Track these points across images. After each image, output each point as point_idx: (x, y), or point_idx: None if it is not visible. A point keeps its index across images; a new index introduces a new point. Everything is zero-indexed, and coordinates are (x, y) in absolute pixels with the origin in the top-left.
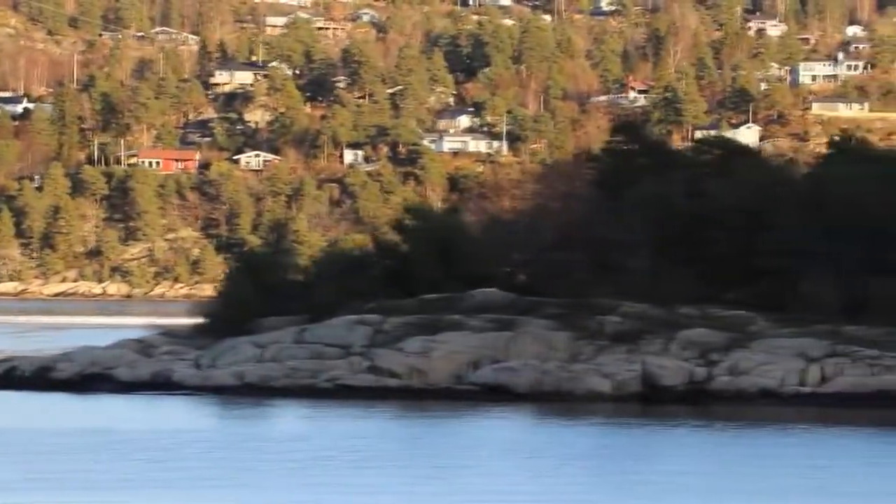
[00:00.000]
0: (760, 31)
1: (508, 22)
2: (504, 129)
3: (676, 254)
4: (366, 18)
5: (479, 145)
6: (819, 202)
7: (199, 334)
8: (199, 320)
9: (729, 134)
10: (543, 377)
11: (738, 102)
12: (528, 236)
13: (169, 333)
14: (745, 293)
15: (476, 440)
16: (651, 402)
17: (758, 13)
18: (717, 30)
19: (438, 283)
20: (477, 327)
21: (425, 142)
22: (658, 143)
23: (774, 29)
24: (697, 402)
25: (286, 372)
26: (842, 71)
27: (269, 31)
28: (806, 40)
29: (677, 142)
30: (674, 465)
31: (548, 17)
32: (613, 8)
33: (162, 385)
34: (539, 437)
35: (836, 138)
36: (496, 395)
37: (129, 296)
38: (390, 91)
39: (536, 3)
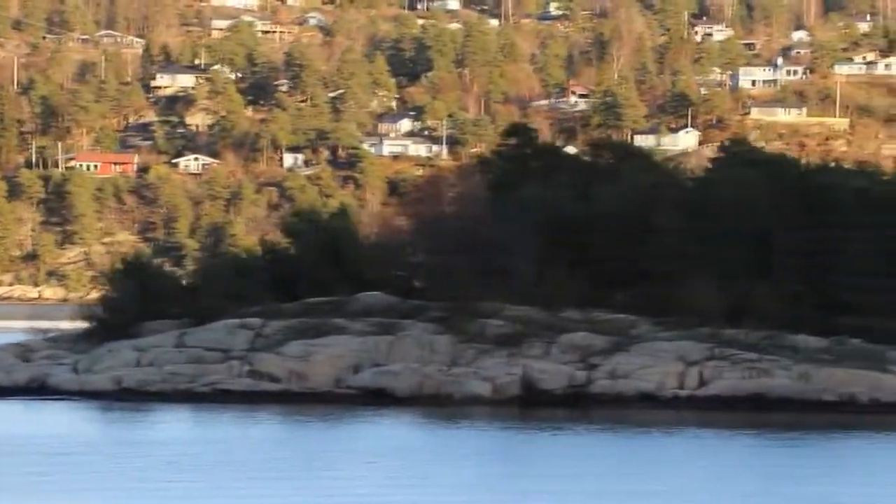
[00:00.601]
0: (707, 36)
1: (452, 26)
2: (444, 133)
3: (563, 257)
4: (313, 22)
5: (419, 149)
6: (704, 206)
7: (83, 338)
8: (84, 324)
9: (668, 138)
10: (424, 381)
11: (678, 107)
12: (420, 239)
13: (53, 337)
14: (629, 296)
15: (344, 444)
16: (530, 405)
17: (704, 18)
18: (664, 34)
19: (326, 286)
20: (359, 331)
21: (365, 145)
22: (549, 145)
23: (721, 34)
24: (577, 406)
25: (164, 377)
26: (781, 76)
27: (214, 34)
28: (752, 45)
29: None
30: (550, 468)
31: (495, 22)
32: (561, 12)
33: (39, 390)
34: (414, 440)
35: (727, 142)
36: (376, 398)
37: (65, 300)
38: (332, 95)
39: (484, 7)
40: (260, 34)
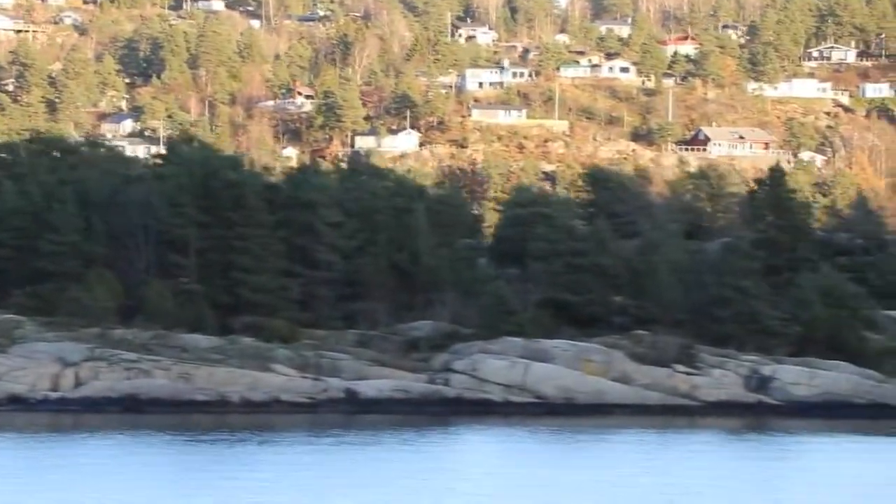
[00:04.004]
0: (470, 38)
1: (187, 26)
2: (162, 133)
3: None
4: (68, 21)
5: (137, 150)
6: (113, 203)
7: None
8: None
9: (388, 140)
10: None
11: (400, 108)
12: None
13: None
14: (24, 296)
15: None
16: None
17: (469, 20)
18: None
19: None
20: None
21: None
22: None
23: (485, 36)
24: None
25: None
26: (507, 78)
27: None
28: (513, 48)
29: (337, 147)
30: None
31: (257, 23)
32: (323, 14)
33: None
34: None
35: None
36: None
37: None
38: (53, 95)
39: (249, 8)
40: (13, 33)
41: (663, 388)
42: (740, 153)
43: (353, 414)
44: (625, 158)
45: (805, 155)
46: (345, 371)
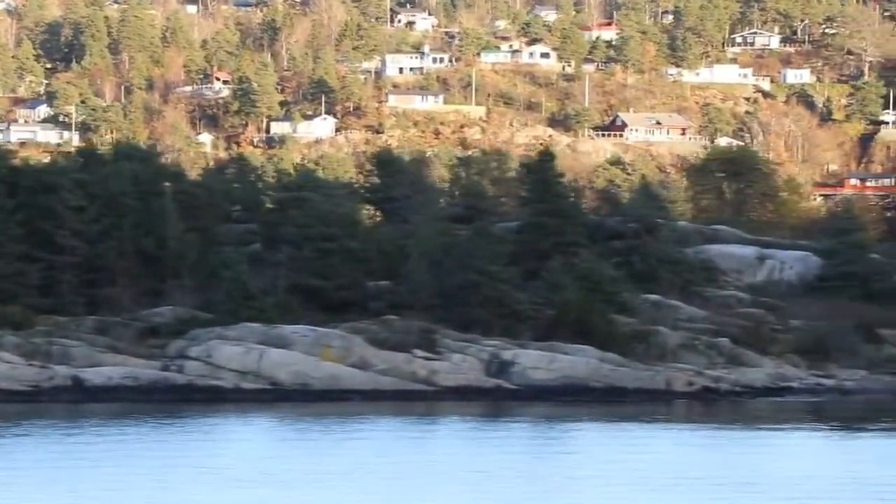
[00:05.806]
0: (410, 24)
1: (114, 11)
2: (75, 119)
3: None
4: (2, 6)
5: (49, 136)
6: None
7: None
8: None
9: (302, 125)
10: None
11: (318, 94)
12: None
13: None
14: None
15: None
16: None
17: (409, 6)
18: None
19: None
20: None
21: None
22: None
23: (424, 22)
24: None
25: None
26: (427, 64)
27: None
28: (450, 34)
29: (252, 133)
30: None
31: (193, 8)
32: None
33: None
34: None
35: None
36: None
37: None
38: None
39: None
40: None
41: (401, 373)
42: (657, 139)
43: (79, 403)
44: (541, 144)
45: (722, 140)
46: (76, 358)
